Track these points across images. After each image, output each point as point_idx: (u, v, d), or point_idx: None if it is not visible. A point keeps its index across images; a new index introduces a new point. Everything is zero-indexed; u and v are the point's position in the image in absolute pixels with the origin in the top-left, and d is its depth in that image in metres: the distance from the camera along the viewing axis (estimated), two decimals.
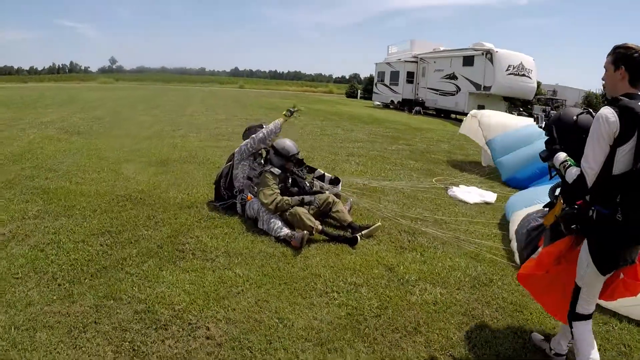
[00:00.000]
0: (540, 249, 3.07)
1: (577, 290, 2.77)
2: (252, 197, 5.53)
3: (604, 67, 2.66)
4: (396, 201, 6.85)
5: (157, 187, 6.87)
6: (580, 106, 22.19)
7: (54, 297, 3.59)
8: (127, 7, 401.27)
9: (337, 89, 68.55)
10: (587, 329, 2.79)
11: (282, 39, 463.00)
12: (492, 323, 3.60)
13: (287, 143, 5.67)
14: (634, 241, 2.56)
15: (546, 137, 3.01)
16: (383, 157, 10.72)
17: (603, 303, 3.35)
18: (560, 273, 2.91)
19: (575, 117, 2.89)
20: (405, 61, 30.72)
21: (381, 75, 34.32)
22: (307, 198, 5.35)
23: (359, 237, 4.96)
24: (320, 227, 5.02)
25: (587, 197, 2.62)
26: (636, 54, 2.50)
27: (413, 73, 30.40)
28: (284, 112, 6.16)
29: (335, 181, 6.42)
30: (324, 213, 5.55)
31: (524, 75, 23.25)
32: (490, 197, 7.30)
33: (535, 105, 26.42)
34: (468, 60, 24.58)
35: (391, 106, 32.27)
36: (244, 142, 5.91)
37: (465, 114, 24.72)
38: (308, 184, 5.91)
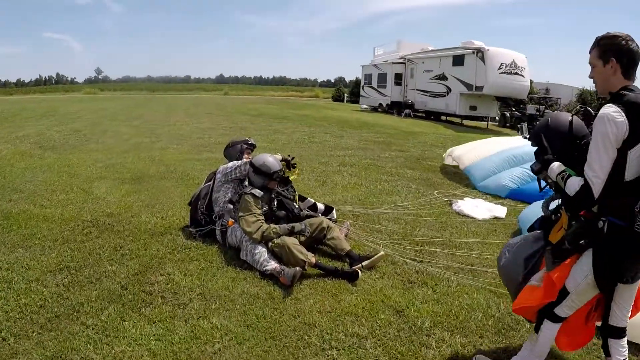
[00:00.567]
0: (540, 274, 2.71)
1: (564, 293, 2.54)
2: (234, 222, 4.80)
3: (590, 63, 2.43)
4: (397, 220, 6.12)
5: (128, 209, 6.14)
6: (574, 105, 21.80)
7: None
8: (110, 18, 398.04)
9: (323, 92, 67.92)
10: (554, 333, 2.66)
11: (266, 45, 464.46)
12: None
13: (267, 159, 4.82)
14: None
15: (535, 148, 2.75)
16: (377, 165, 9.99)
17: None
18: None
19: (569, 121, 2.66)
20: (393, 62, 29.81)
21: (368, 77, 33.33)
22: (297, 226, 4.58)
23: (359, 271, 4.22)
24: (313, 260, 4.27)
25: (594, 208, 2.37)
26: (624, 42, 2.29)
27: (401, 75, 29.51)
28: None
29: (328, 209, 5.71)
30: (317, 240, 4.80)
31: (517, 73, 22.47)
32: (500, 211, 6.61)
33: (528, 105, 25.89)
34: (458, 60, 23.75)
35: (379, 109, 31.46)
36: (231, 165, 5.16)
37: (457, 116, 24.49)
38: (297, 206, 5.12)
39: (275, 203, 4.90)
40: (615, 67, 2.30)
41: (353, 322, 3.50)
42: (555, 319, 2.61)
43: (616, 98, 2.27)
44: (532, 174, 2.79)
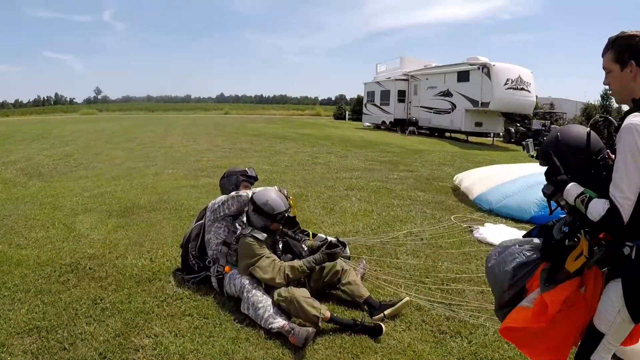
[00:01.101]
0: (533, 296, 2.41)
1: (598, 336, 2.20)
2: (231, 268, 4.11)
3: (604, 68, 2.15)
4: (416, 253, 5.44)
5: (113, 248, 5.45)
6: (579, 119, 21.22)
7: None
8: (112, 36, 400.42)
9: (325, 110, 67.25)
10: None
11: (266, 64, 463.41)
12: None
13: (271, 196, 4.08)
14: None
15: (545, 167, 2.43)
16: (386, 188, 9.32)
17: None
18: (559, 321, 2.30)
19: (581, 134, 2.30)
20: (396, 79, 29.21)
21: (371, 95, 32.69)
22: (320, 257, 3.91)
23: (383, 326, 3.52)
24: (328, 314, 3.56)
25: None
26: None
27: (404, 91, 28.89)
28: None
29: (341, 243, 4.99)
30: (330, 285, 4.11)
31: (522, 89, 21.93)
32: None
33: (533, 120, 25.34)
34: (463, 76, 23.19)
35: (382, 127, 30.78)
36: (218, 200, 4.45)
37: (462, 132, 23.89)
38: (306, 248, 4.38)
39: (281, 246, 4.19)
40: (635, 71, 2.03)
41: None
42: None
43: None
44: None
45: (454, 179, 9.51)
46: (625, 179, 1.92)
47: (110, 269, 4.83)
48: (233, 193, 4.37)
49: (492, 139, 25.23)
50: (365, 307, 3.89)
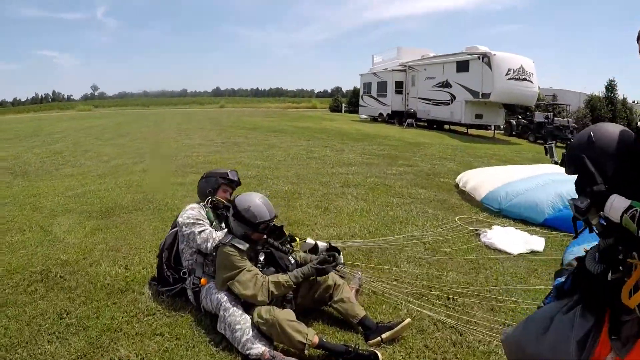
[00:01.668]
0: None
1: None
2: (208, 280, 3.66)
3: None
4: (417, 261, 4.96)
5: (88, 254, 5.03)
6: (583, 112, 20.62)
7: None
8: (105, 34, 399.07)
9: (321, 103, 66.72)
10: None
11: (261, 58, 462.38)
12: None
13: (254, 201, 3.53)
14: None
15: (574, 175, 1.98)
16: (385, 185, 8.86)
17: None
18: None
19: (621, 132, 1.90)
20: (393, 70, 28.53)
21: (367, 86, 32.00)
22: (308, 270, 3.46)
23: (379, 355, 3.04)
24: (316, 339, 3.07)
25: None
26: None
27: (402, 82, 28.21)
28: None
29: (332, 249, 4.46)
30: (320, 301, 3.65)
31: (525, 79, 21.24)
32: (538, 244, 5.45)
33: (536, 112, 24.80)
34: (462, 66, 22.54)
35: (379, 119, 30.20)
36: (186, 218, 3.87)
37: (462, 125, 23.37)
38: (293, 261, 3.80)
39: (262, 258, 3.66)
40: None
41: None
42: None
43: None
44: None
45: (457, 179, 9.02)
46: None
47: (82, 277, 4.41)
48: (196, 232, 3.80)
49: (492, 131, 24.75)
50: (360, 328, 3.44)
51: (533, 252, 5.28)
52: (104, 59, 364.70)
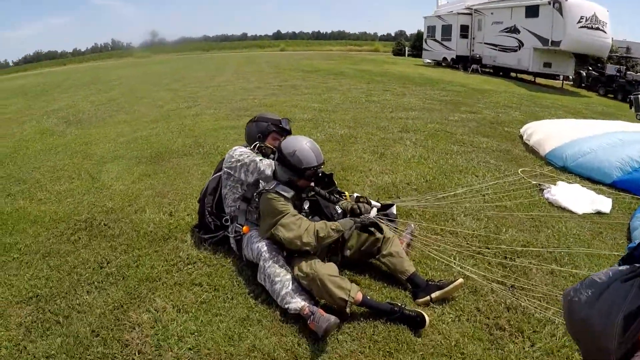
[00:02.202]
0: None
1: None
2: (251, 228, 3.46)
3: None
4: (475, 214, 4.59)
5: (133, 201, 4.98)
6: None
7: None
8: None
9: (383, 46, 64.14)
10: None
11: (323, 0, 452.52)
12: None
13: (302, 145, 3.22)
14: None
15: None
16: (445, 132, 8.34)
17: None
18: None
19: None
20: (458, 13, 26.72)
21: (431, 30, 30.27)
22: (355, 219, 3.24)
23: (426, 317, 2.78)
24: (360, 296, 2.84)
25: None
26: None
27: (467, 27, 26.44)
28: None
29: (385, 207, 4.16)
30: (367, 254, 3.38)
31: (598, 28, 19.29)
32: (605, 204, 4.93)
33: (607, 64, 22.97)
34: (532, 11, 20.75)
35: (443, 64, 28.67)
36: (238, 153, 3.64)
37: (529, 73, 21.97)
38: (340, 211, 3.57)
39: (307, 206, 3.43)
40: None
41: None
42: None
43: None
44: None
45: (522, 131, 8.36)
46: None
47: (126, 225, 4.36)
48: (257, 160, 3.52)
49: (561, 81, 23.08)
50: (409, 285, 3.19)
51: (599, 213, 4.78)
52: (162, 4, 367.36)
